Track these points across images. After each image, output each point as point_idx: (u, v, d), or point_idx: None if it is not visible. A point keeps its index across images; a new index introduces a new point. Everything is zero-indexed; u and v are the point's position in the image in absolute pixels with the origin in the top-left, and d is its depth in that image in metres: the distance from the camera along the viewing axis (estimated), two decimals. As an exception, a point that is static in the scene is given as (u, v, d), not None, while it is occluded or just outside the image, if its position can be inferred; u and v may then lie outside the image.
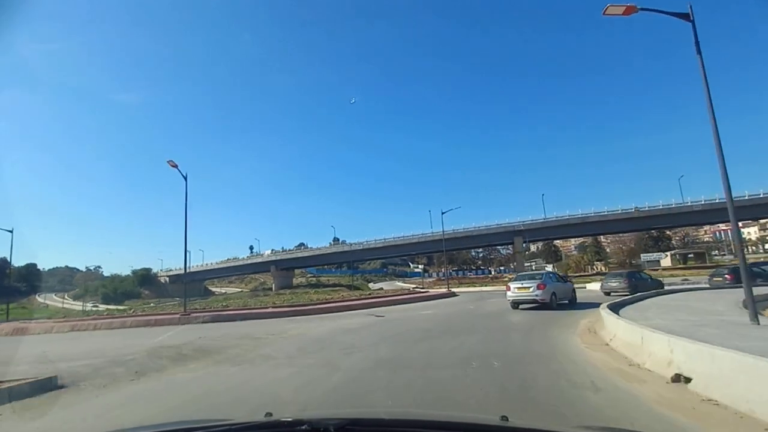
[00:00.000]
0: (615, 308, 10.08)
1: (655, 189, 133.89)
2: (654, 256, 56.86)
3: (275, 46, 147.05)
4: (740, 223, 77.73)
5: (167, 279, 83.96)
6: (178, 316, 17.34)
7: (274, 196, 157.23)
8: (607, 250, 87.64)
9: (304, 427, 1.17)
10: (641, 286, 17.54)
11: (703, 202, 50.49)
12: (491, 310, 15.02)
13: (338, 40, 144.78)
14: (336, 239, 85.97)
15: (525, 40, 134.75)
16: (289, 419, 1.32)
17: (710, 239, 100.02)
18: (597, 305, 14.68)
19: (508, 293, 14.23)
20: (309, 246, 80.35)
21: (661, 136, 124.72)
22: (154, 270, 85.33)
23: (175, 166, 17.54)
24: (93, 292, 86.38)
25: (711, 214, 51.17)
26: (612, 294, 17.63)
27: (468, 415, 3.20)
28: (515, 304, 14.03)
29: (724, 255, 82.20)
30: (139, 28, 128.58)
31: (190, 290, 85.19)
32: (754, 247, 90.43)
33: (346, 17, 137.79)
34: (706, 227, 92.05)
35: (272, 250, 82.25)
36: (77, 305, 69.73)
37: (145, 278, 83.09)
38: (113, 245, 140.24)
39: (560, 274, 18.27)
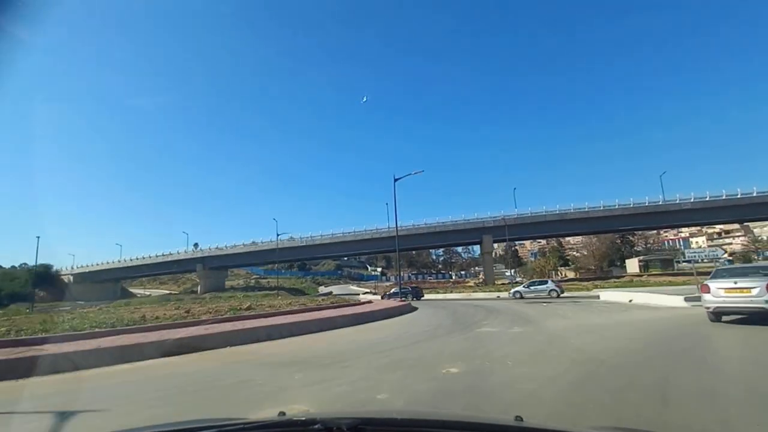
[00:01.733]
0: None
1: (633, 190, 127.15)
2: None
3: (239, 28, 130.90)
4: (687, 231, 70.22)
5: (71, 278, 66.15)
6: None
7: (231, 195, 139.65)
8: (573, 254, 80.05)
9: (316, 426, 1.12)
10: None
11: (692, 200, 42.63)
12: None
13: (297, 33, 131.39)
14: (292, 239, 71.95)
15: (497, 36, 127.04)
16: (303, 418, 1.27)
17: (658, 247, 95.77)
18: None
19: (706, 297, 8.33)
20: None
21: (643, 135, 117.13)
22: (57, 267, 66.87)
23: None
24: (-22, 293, 67.34)
25: (701, 213, 43.41)
26: None
27: (482, 415, 3.09)
28: (717, 315, 8.47)
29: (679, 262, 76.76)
30: (111, 30, 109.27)
31: (102, 292, 67.97)
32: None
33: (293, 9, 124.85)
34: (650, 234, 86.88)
35: (217, 246, 67.15)
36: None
37: (42, 276, 64.43)
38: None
39: None
